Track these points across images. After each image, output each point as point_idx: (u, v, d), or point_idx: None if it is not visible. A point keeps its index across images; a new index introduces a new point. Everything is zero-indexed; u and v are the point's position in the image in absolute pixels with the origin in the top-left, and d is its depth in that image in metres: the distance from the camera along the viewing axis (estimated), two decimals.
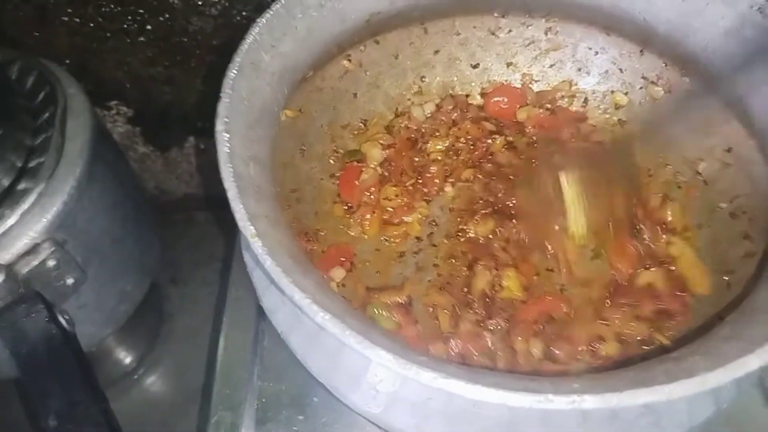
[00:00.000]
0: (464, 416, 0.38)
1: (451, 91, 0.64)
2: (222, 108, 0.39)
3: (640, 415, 0.37)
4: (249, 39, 0.43)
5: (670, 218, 0.55)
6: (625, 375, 0.32)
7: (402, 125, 0.61)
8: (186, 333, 0.92)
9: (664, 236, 0.54)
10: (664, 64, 0.57)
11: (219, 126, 0.38)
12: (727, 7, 0.48)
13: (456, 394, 0.30)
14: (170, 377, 0.90)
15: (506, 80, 0.64)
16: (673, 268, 0.53)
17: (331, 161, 0.59)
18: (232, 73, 0.41)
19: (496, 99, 0.63)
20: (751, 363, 0.30)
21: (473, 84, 0.64)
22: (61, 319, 0.56)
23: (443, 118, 0.61)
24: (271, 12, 0.45)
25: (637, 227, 0.54)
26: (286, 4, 0.46)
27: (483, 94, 0.64)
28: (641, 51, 0.58)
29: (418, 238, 0.57)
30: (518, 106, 0.63)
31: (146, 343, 0.91)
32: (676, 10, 0.51)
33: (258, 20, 0.44)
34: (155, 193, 0.98)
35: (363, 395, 0.39)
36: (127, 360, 0.89)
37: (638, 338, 0.47)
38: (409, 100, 0.63)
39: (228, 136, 0.38)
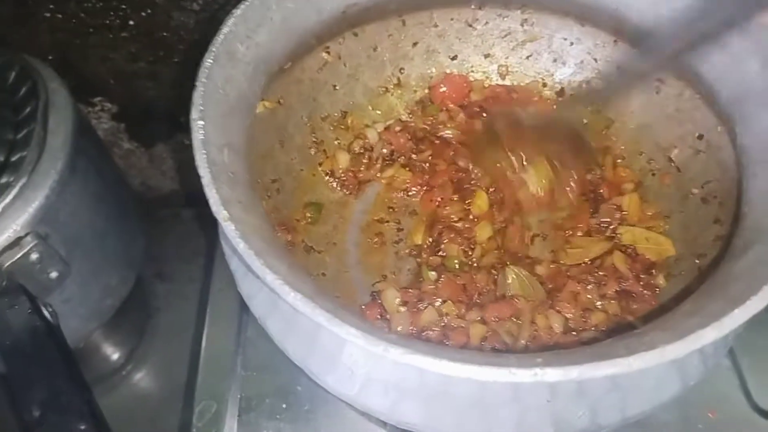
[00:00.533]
0: (437, 396, 0.38)
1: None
2: (197, 96, 0.40)
3: (607, 391, 0.38)
4: (225, 30, 0.44)
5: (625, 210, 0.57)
6: (588, 350, 0.33)
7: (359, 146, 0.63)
8: (173, 329, 0.92)
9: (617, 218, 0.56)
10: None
11: (194, 114, 0.39)
12: None
13: (424, 369, 0.31)
14: (158, 373, 0.90)
15: (484, 71, 0.65)
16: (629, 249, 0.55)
17: (312, 152, 0.60)
18: (207, 62, 0.42)
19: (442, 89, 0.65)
20: (707, 335, 0.31)
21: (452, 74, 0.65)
22: (44, 311, 0.56)
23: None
24: (247, 3, 0.45)
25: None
26: None
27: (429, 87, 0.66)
28: (615, 41, 0.59)
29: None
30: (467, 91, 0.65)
31: (133, 339, 0.91)
32: (646, 0, 0.52)
33: (233, 11, 0.45)
34: (141, 190, 0.98)
35: (339, 377, 0.40)
36: (115, 356, 0.89)
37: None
38: (388, 91, 0.64)
39: (202, 123, 0.39)
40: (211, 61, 0.42)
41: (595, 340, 0.46)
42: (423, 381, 0.38)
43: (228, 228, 0.34)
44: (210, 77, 0.41)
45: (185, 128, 0.87)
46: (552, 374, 0.30)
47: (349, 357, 0.39)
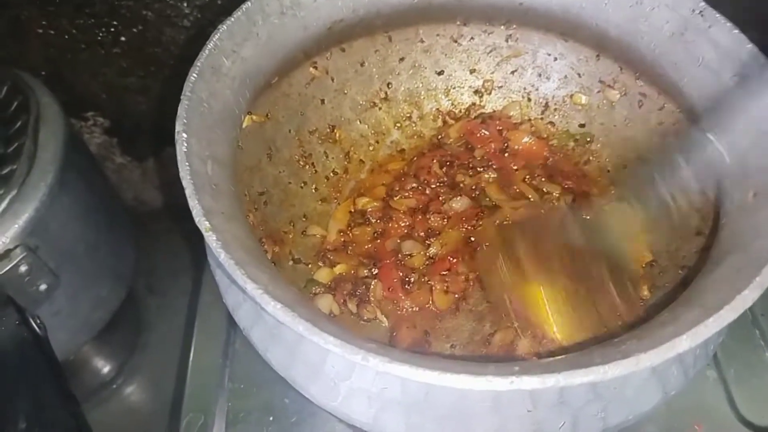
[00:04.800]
0: (419, 406, 0.39)
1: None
2: (181, 109, 0.41)
3: (588, 401, 0.39)
4: (210, 45, 0.44)
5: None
6: (566, 359, 0.34)
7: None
8: (164, 342, 0.92)
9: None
10: (619, 68, 0.59)
11: (178, 126, 0.40)
12: (671, 11, 0.50)
13: (404, 378, 0.31)
14: (148, 387, 0.90)
15: (470, 86, 0.66)
16: None
17: (300, 165, 0.60)
18: (192, 76, 0.42)
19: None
20: (681, 344, 0.32)
21: (438, 90, 0.66)
22: (32, 323, 0.57)
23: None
24: (233, 19, 0.46)
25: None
26: (246, 11, 0.47)
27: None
28: (597, 56, 0.60)
29: None
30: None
31: (124, 352, 0.91)
32: (624, 15, 0.53)
33: (219, 26, 0.46)
34: (134, 204, 0.99)
35: (322, 388, 0.41)
36: (105, 370, 0.89)
37: None
38: (376, 106, 0.65)
39: (186, 136, 0.39)
40: (196, 75, 0.43)
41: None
42: (404, 391, 0.38)
43: (209, 238, 0.35)
44: (194, 91, 0.42)
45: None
46: (528, 382, 0.30)
47: (332, 368, 0.39)
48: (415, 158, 0.65)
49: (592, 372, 0.31)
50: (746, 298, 0.33)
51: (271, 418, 0.59)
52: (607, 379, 0.31)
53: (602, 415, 0.39)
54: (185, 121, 0.40)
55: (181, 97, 0.41)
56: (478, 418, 0.38)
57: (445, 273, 0.56)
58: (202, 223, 0.35)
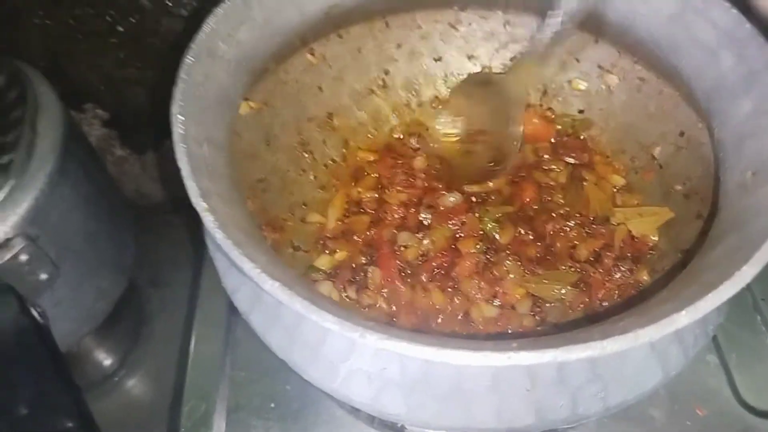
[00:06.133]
0: (418, 385, 0.39)
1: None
2: (177, 92, 0.41)
3: (587, 381, 0.39)
4: (206, 28, 0.45)
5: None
6: (564, 336, 0.34)
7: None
8: (166, 334, 0.92)
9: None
10: (618, 53, 0.59)
11: (173, 109, 0.40)
12: None
13: (402, 355, 0.31)
14: (150, 379, 0.90)
15: (469, 73, 0.66)
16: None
17: (298, 152, 0.60)
18: (188, 59, 0.42)
19: None
20: (680, 320, 0.31)
21: (436, 77, 0.66)
22: (33, 311, 0.57)
23: None
24: (228, 2, 0.46)
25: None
26: None
27: None
28: (596, 40, 0.60)
29: None
30: None
31: (126, 345, 0.91)
32: None
33: (215, 10, 0.46)
34: (134, 197, 0.99)
35: (321, 369, 0.40)
36: (107, 362, 0.89)
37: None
38: (374, 93, 0.65)
39: (182, 118, 0.39)
40: (192, 58, 0.43)
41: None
42: (404, 370, 0.38)
43: (206, 218, 0.35)
44: (190, 74, 0.42)
45: None
46: (526, 357, 0.30)
47: (331, 348, 0.39)
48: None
49: (591, 347, 0.31)
50: (745, 274, 0.33)
51: (272, 405, 0.59)
52: (605, 355, 0.31)
53: (602, 395, 0.39)
54: (181, 103, 0.40)
55: (176, 79, 0.41)
56: (478, 397, 0.38)
57: (438, 271, 0.56)
58: (199, 203, 0.35)
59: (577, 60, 0.62)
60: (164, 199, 1.01)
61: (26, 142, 0.60)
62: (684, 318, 0.32)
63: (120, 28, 0.73)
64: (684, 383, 0.59)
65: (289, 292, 0.33)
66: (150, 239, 0.93)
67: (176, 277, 0.96)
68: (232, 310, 0.64)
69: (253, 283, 0.34)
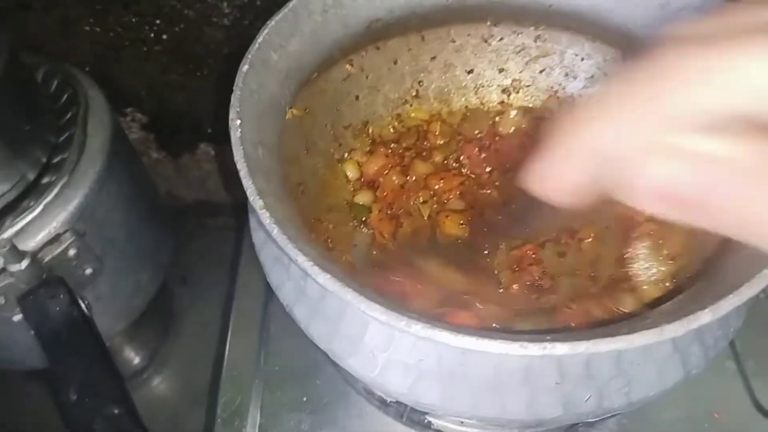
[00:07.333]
0: (453, 377, 0.41)
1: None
2: (234, 98, 0.43)
3: (612, 377, 0.41)
4: (260, 39, 0.47)
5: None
6: (594, 331, 0.36)
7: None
8: (195, 333, 0.95)
9: None
10: None
11: (232, 114, 0.43)
12: (697, 12, 0.52)
13: (443, 344, 0.34)
14: (179, 376, 0.93)
15: (499, 85, 0.68)
16: None
17: (335, 158, 0.63)
18: (244, 68, 0.45)
19: None
20: (703, 317, 0.34)
21: (468, 88, 0.69)
22: (81, 303, 0.60)
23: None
24: (280, 15, 0.49)
25: None
26: (293, 8, 0.50)
27: None
28: (624, 56, 0.62)
29: None
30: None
31: (156, 342, 0.94)
32: (651, 17, 0.55)
33: (268, 22, 0.49)
34: (167, 198, 1.02)
35: (361, 359, 0.43)
36: (137, 359, 0.93)
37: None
38: (407, 102, 0.68)
39: (239, 122, 0.42)
40: (247, 67, 0.45)
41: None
42: (440, 362, 0.41)
43: (263, 215, 0.38)
44: (246, 82, 0.45)
45: (211, 139, 0.92)
46: (560, 348, 0.33)
47: (371, 339, 0.42)
48: None
49: (619, 340, 0.33)
50: (765, 276, 0.36)
51: (304, 399, 0.61)
52: (632, 348, 0.33)
53: (626, 390, 0.41)
54: (238, 109, 0.43)
55: (234, 87, 0.44)
56: (510, 389, 0.40)
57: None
58: (256, 201, 0.38)
59: (605, 74, 0.64)
60: (194, 202, 1.04)
61: (77, 143, 0.63)
62: (707, 315, 0.34)
63: (164, 36, 0.76)
64: (702, 388, 0.61)
65: (340, 283, 0.35)
66: (180, 240, 0.96)
67: (205, 278, 0.99)
68: (267, 308, 0.67)
69: (300, 275, 0.37)
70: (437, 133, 0.66)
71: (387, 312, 0.34)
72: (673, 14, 0.54)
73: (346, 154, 0.65)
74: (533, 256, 0.57)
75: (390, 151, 0.65)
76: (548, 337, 0.34)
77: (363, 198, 0.62)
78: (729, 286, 0.36)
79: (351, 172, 0.64)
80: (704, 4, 0.52)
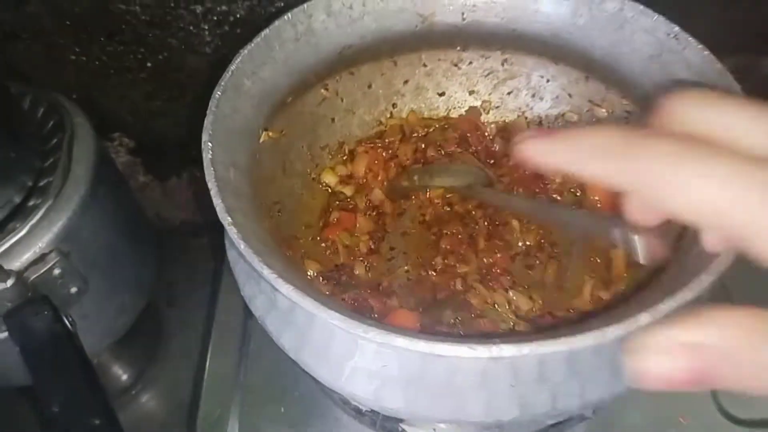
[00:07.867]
0: (414, 381, 0.43)
1: None
2: (207, 122, 0.46)
3: (565, 378, 0.43)
4: (233, 66, 0.50)
5: None
6: (540, 335, 0.38)
7: None
8: (181, 352, 0.96)
9: None
10: (605, 89, 0.64)
11: (204, 136, 0.45)
12: (649, 35, 0.55)
13: (400, 353, 0.36)
14: (166, 395, 0.94)
15: (470, 106, 0.71)
16: None
17: (312, 177, 0.66)
18: (217, 93, 0.48)
19: None
20: (641, 319, 0.36)
21: (440, 109, 0.72)
22: (65, 320, 0.62)
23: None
24: (252, 44, 0.52)
25: None
26: (265, 37, 0.53)
27: None
28: (586, 77, 0.65)
29: None
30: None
31: (143, 361, 0.95)
32: (609, 40, 0.58)
33: (241, 51, 0.51)
34: (155, 221, 1.04)
35: (329, 368, 0.45)
36: (124, 377, 0.94)
37: None
38: (382, 124, 0.71)
39: (211, 144, 0.45)
40: (220, 93, 0.48)
41: None
42: (401, 367, 0.43)
43: (231, 231, 0.40)
44: (219, 106, 0.48)
45: (196, 162, 0.94)
46: (506, 350, 0.35)
47: (337, 348, 0.44)
48: None
49: (562, 342, 0.35)
50: (702, 281, 0.38)
51: (282, 410, 0.63)
52: (580, 349, 0.36)
53: (579, 392, 0.43)
54: (211, 132, 0.46)
55: (207, 111, 0.47)
56: (468, 392, 0.42)
57: None
58: (225, 218, 0.41)
59: (570, 95, 0.67)
60: (181, 223, 1.06)
61: (62, 167, 0.66)
62: (645, 317, 0.36)
63: (149, 64, 0.79)
64: (668, 394, 0.62)
65: (302, 294, 0.38)
66: (167, 261, 0.98)
67: (192, 298, 1.01)
68: (247, 324, 0.70)
69: (270, 288, 0.39)
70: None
71: (346, 320, 0.37)
72: (627, 36, 0.57)
73: (322, 173, 0.67)
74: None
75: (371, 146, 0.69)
76: (497, 340, 0.36)
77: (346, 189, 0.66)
78: (668, 290, 0.38)
79: (329, 179, 0.67)
80: (654, 26, 0.55)
